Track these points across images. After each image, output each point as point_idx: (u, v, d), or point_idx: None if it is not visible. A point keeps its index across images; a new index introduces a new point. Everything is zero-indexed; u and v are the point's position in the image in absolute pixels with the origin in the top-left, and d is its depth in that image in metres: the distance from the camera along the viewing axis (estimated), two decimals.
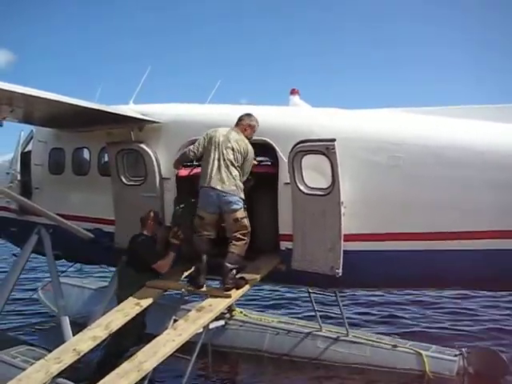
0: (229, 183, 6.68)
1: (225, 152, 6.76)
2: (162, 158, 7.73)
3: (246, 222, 6.81)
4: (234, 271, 6.79)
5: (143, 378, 5.85)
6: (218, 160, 6.75)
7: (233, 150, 6.78)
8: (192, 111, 8.19)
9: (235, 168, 6.77)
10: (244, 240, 6.80)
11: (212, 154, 6.79)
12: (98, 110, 7.31)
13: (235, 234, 6.77)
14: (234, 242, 6.77)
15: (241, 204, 6.75)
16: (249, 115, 7.07)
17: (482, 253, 6.22)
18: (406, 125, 6.97)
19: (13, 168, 9.47)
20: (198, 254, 6.93)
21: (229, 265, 6.72)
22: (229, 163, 6.74)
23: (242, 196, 6.79)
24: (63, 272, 10.14)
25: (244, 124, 7.02)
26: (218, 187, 6.66)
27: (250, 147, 6.92)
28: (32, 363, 6.72)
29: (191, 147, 7.01)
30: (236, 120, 7.06)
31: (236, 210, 6.72)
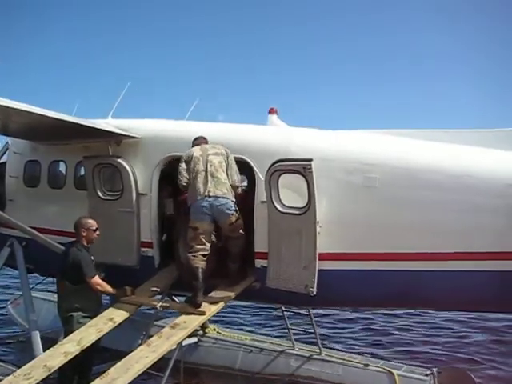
0: (220, 187, 6.81)
1: (208, 159, 6.90)
2: (139, 174, 7.71)
3: (240, 221, 6.98)
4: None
5: None
6: (204, 171, 6.86)
7: (215, 154, 6.94)
8: (170, 127, 8.22)
9: (223, 171, 6.90)
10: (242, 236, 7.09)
11: (196, 169, 6.89)
12: (76, 123, 7.27)
13: (233, 234, 7.03)
14: (234, 242, 7.10)
15: (233, 208, 6.87)
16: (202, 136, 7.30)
17: (457, 274, 6.33)
18: (383, 146, 7.10)
19: None
20: (192, 272, 6.85)
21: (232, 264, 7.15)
22: (217, 168, 6.88)
23: (233, 198, 6.91)
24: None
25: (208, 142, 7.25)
26: (211, 194, 6.77)
27: (225, 148, 7.09)
28: (0, 379, 6.57)
29: (179, 178, 7.03)
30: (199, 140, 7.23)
31: (230, 215, 6.85)
